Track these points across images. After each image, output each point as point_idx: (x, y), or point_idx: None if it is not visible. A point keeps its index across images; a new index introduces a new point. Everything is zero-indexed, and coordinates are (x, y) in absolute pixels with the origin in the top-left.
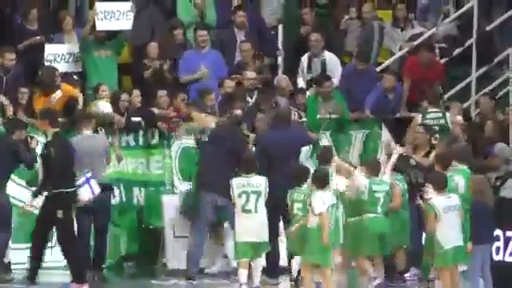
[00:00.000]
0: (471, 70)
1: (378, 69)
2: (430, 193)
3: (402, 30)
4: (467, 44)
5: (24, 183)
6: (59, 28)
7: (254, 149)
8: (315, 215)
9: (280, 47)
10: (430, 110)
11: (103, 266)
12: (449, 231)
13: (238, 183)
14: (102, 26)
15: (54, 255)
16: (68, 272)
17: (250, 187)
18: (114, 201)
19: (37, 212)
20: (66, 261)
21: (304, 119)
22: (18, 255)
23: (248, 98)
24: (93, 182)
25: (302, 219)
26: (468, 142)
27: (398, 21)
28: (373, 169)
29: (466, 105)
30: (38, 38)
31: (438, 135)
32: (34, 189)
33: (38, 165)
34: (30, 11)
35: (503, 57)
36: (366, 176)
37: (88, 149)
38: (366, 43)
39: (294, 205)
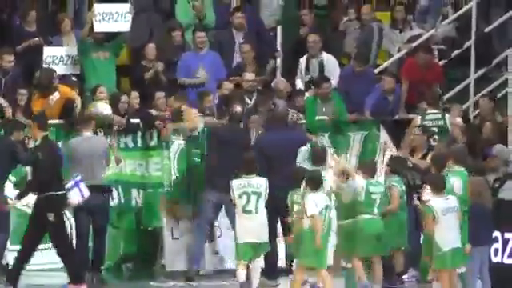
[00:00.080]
0: (470, 72)
1: (377, 70)
2: (428, 194)
3: (400, 32)
4: (466, 46)
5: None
6: (57, 30)
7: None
8: (308, 217)
9: (279, 49)
10: (429, 111)
11: (102, 267)
12: (447, 233)
13: (238, 184)
14: (100, 27)
15: (50, 257)
16: (65, 274)
17: (251, 188)
18: (113, 202)
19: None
20: (62, 263)
21: (303, 121)
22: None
23: (247, 100)
24: (82, 185)
25: (298, 221)
26: (467, 143)
27: (397, 22)
28: (369, 170)
29: (464, 106)
30: (37, 39)
31: (436, 136)
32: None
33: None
34: (28, 13)
35: (501, 58)
36: (363, 177)
37: (87, 150)
38: (364, 45)
39: (293, 206)
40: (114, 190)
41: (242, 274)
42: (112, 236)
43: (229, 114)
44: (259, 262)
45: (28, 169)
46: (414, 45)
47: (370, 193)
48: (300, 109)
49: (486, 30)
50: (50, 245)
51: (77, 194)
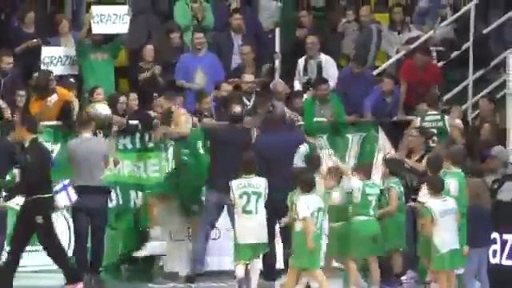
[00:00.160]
0: (468, 73)
1: (375, 72)
2: (424, 196)
3: (398, 34)
4: (464, 47)
5: None
6: (55, 31)
7: None
8: (299, 220)
9: (277, 50)
10: (429, 112)
11: (100, 268)
12: (445, 235)
13: (238, 184)
14: (98, 29)
15: (45, 258)
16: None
17: (251, 188)
18: (111, 204)
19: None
20: (55, 265)
21: (301, 122)
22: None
23: (246, 101)
24: (70, 189)
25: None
26: (465, 145)
27: (395, 24)
28: (365, 172)
29: (462, 108)
30: (35, 40)
31: (435, 138)
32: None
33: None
34: (26, 14)
35: (500, 60)
36: (359, 179)
37: (86, 152)
38: (363, 46)
39: (293, 207)
40: (112, 191)
41: (240, 270)
42: (110, 237)
43: (228, 114)
44: (257, 264)
45: (16, 171)
46: (412, 46)
47: (366, 194)
48: (298, 110)
49: (485, 31)
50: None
51: (64, 198)
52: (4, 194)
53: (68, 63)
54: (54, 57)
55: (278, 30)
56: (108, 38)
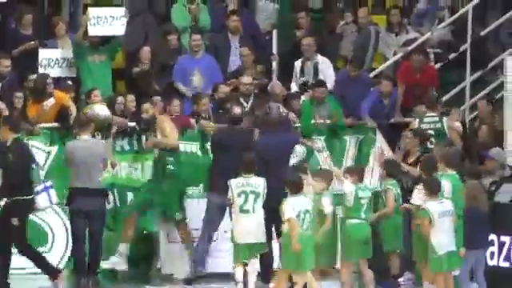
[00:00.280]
0: (466, 75)
1: (372, 74)
2: (419, 198)
3: (396, 35)
4: (462, 49)
5: None
6: (52, 33)
7: None
8: (284, 221)
9: (274, 52)
10: (427, 114)
11: (97, 270)
12: (442, 236)
13: (237, 183)
14: (94, 31)
15: None
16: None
17: (249, 187)
18: (109, 206)
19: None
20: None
21: (298, 124)
22: (14, 259)
23: (244, 103)
24: (52, 191)
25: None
26: (463, 146)
27: (392, 26)
28: (357, 175)
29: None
30: (33, 43)
31: (433, 140)
32: None
33: None
34: (24, 16)
35: (497, 62)
36: (352, 182)
37: (84, 154)
38: (361, 48)
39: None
40: (110, 193)
41: (240, 273)
42: (108, 239)
43: (228, 116)
44: (255, 265)
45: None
46: (409, 48)
47: (358, 198)
48: (296, 112)
49: (482, 33)
50: (43, 248)
51: (45, 199)
52: None
53: (65, 65)
54: (52, 59)
55: (275, 32)
56: (105, 40)
